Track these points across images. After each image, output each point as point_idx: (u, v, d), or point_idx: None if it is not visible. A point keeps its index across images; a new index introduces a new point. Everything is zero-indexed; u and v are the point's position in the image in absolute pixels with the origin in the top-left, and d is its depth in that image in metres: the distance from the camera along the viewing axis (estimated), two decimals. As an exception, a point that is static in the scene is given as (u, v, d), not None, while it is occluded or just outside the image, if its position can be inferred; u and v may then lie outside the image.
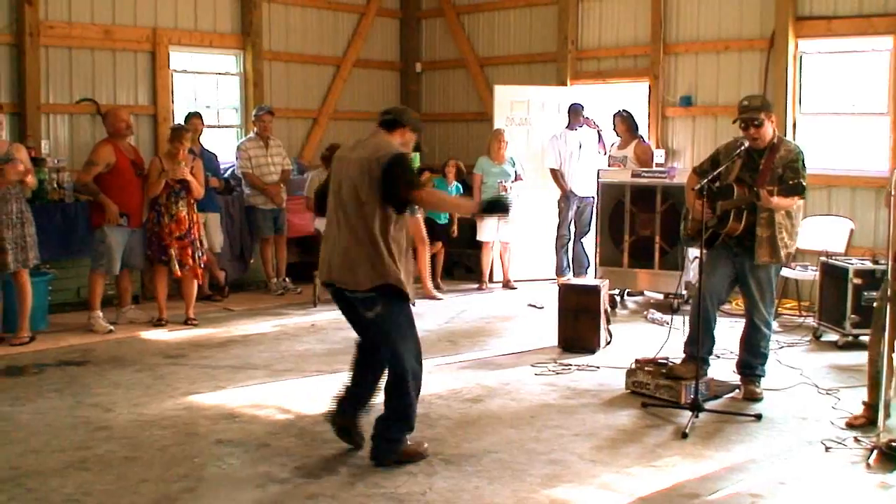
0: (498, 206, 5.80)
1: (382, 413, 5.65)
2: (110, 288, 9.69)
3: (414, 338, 5.65)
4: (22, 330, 8.65)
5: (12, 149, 8.56)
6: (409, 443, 5.66)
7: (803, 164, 6.75)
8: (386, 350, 5.58)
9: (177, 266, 9.33)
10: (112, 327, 9.21)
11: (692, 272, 9.21)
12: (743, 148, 6.76)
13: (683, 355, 7.06)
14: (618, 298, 10.44)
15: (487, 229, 11.63)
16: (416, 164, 10.02)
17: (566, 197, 11.66)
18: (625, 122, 11.35)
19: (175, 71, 11.71)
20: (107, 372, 7.78)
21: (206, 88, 12.37)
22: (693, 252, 8.90)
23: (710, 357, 7.13)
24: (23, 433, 6.18)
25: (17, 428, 6.30)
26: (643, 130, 11.62)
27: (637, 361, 7.20)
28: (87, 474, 5.45)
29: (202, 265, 9.66)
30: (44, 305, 9.31)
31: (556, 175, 11.66)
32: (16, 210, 8.46)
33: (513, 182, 11.61)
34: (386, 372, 5.66)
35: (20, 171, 8.31)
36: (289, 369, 7.85)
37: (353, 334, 8.63)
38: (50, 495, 5.12)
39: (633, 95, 12.22)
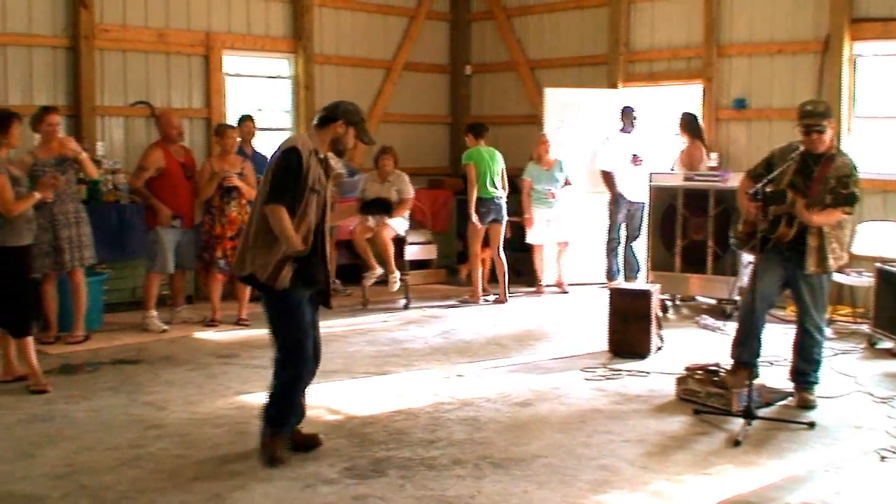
0: (375, 205, 5.70)
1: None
2: (164, 288, 9.81)
3: (289, 333, 5.69)
4: (77, 329, 8.77)
5: (63, 140, 8.66)
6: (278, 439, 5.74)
7: (856, 179, 6.62)
8: (272, 339, 5.79)
9: (221, 267, 9.41)
10: (166, 327, 9.33)
11: (746, 277, 9.12)
12: (798, 152, 6.68)
13: (731, 361, 7.00)
14: (669, 303, 10.36)
15: (535, 232, 11.60)
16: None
17: (616, 200, 11.61)
18: (681, 122, 11.26)
19: (228, 74, 11.83)
20: (160, 371, 7.88)
21: (259, 92, 12.47)
22: (748, 257, 8.83)
23: (761, 364, 7.06)
24: (77, 431, 6.27)
25: (72, 426, 6.39)
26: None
27: (687, 369, 7.14)
28: (139, 472, 5.52)
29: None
30: (99, 305, 9.45)
31: (608, 178, 11.60)
32: (72, 210, 8.59)
33: (561, 187, 11.57)
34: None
35: (74, 148, 8.40)
36: (338, 370, 7.89)
37: (402, 335, 8.68)
38: (103, 492, 5.19)
39: (685, 98, 12.12)
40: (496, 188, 11.08)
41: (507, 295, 11.15)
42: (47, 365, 7.75)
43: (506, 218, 11.19)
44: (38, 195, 7.27)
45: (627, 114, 11.58)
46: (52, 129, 8.56)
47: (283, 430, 5.73)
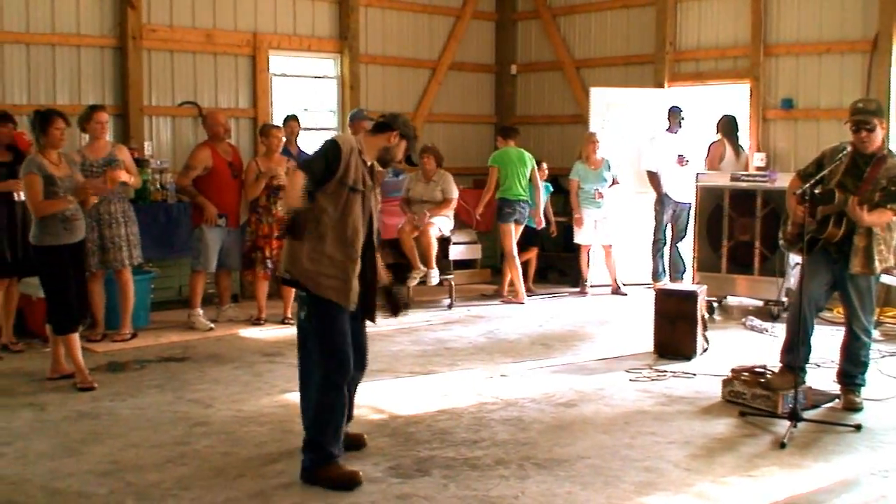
0: (292, 227, 5.29)
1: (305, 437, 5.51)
2: (211, 287, 9.89)
3: (328, 352, 5.37)
4: (124, 327, 8.87)
5: (115, 150, 8.78)
6: (336, 467, 5.35)
7: None
8: (306, 357, 5.58)
9: (269, 266, 9.47)
10: (212, 325, 9.41)
11: (793, 278, 9.02)
12: (846, 152, 6.59)
13: (780, 364, 6.92)
14: (715, 304, 10.26)
15: (583, 232, 11.55)
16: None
17: (662, 201, 11.54)
18: (718, 122, 11.17)
19: (274, 75, 11.90)
20: (206, 369, 7.94)
21: (304, 92, 12.53)
22: (795, 258, 8.73)
23: (808, 365, 6.97)
24: (123, 428, 6.33)
25: (118, 423, 6.45)
26: (742, 133, 11.43)
27: (733, 371, 7.07)
28: (185, 469, 5.56)
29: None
30: (146, 303, 9.54)
31: (653, 178, 11.53)
32: (119, 210, 8.69)
33: (609, 186, 11.51)
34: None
35: (122, 177, 8.50)
36: (382, 369, 7.89)
37: (446, 335, 8.69)
38: (149, 489, 5.23)
39: (732, 97, 12.01)
40: (523, 189, 11.12)
41: (525, 294, 11.26)
42: (94, 362, 7.85)
43: (525, 220, 11.32)
44: (71, 199, 7.26)
45: (674, 114, 11.50)
46: (100, 127, 8.66)
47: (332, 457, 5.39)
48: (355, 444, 5.85)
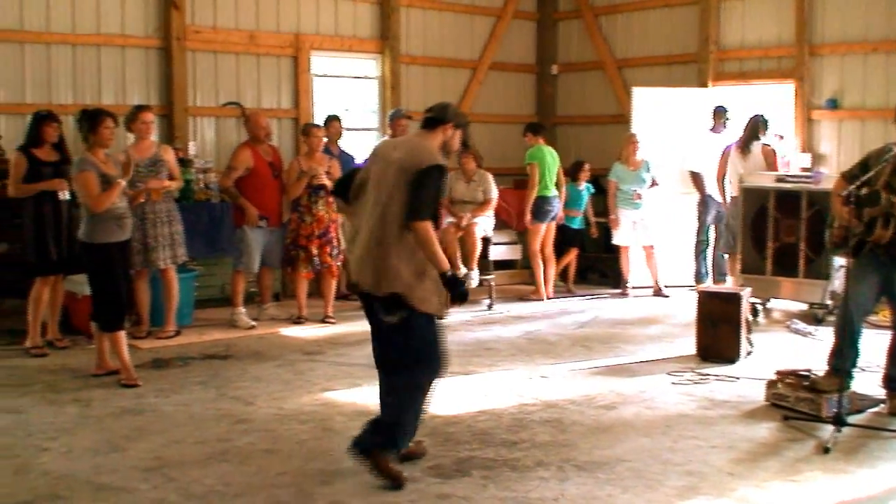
0: (455, 289, 5.23)
1: (379, 420, 5.48)
2: (252, 285, 9.95)
3: (431, 352, 5.39)
4: (168, 324, 8.95)
5: (160, 150, 8.87)
6: (391, 460, 5.34)
7: None
8: (396, 369, 5.40)
9: (315, 265, 9.52)
10: (254, 323, 9.47)
11: (838, 281, 8.92)
12: (893, 153, 6.51)
13: (827, 368, 6.84)
14: (759, 307, 10.17)
15: (621, 233, 11.50)
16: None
17: (705, 202, 11.45)
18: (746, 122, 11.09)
19: (316, 75, 11.95)
20: (248, 366, 7.99)
21: (346, 92, 12.57)
22: (839, 260, 8.63)
23: (855, 370, 6.89)
24: (166, 424, 6.39)
25: (161, 419, 6.52)
26: (788, 133, 11.32)
27: (777, 373, 7.00)
28: (227, 466, 5.60)
29: (340, 264, 9.84)
30: (189, 301, 9.63)
31: (697, 178, 11.45)
32: (164, 209, 8.77)
33: (648, 188, 11.45)
34: (388, 393, 5.49)
35: (165, 187, 8.58)
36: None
37: (486, 336, 8.66)
38: (191, 486, 5.28)
39: (777, 97, 11.90)
40: (554, 187, 11.15)
41: (549, 293, 11.29)
42: (138, 359, 7.92)
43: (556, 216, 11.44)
44: (122, 182, 7.33)
45: (720, 114, 11.41)
46: (145, 127, 8.76)
47: (396, 449, 5.41)
48: (417, 454, 5.72)
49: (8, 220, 8.85)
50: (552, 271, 11.57)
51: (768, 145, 10.75)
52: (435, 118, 5.55)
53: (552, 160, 11.26)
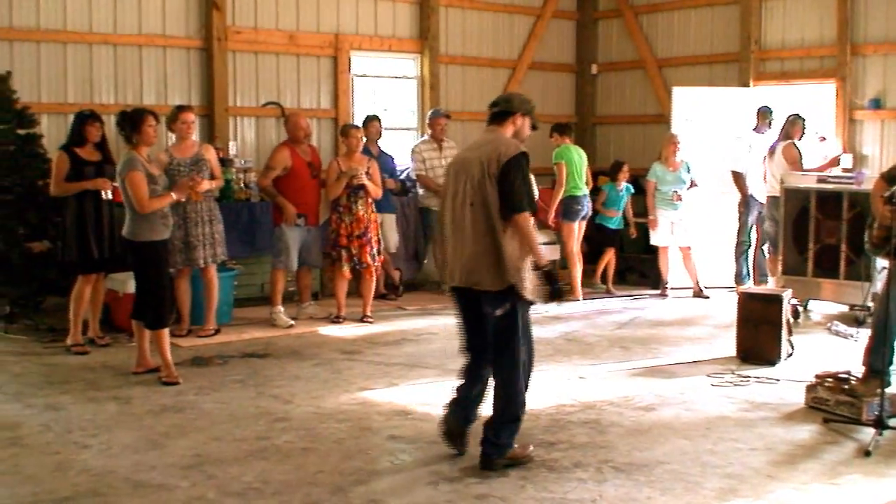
0: (553, 284, 5.49)
1: (491, 416, 5.62)
2: (291, 284, 10.00)
3: (529, 341, 5.66)
4: (208, 323, 9.02)
5: (202, 150, 8.93)
6: (515, 446, 5.63)
7: None
8: (502, 351, 5.54)
9: (354, 264, 9.55)
10: (292, 322, 9.50)
11: (880, 283, 8.80)
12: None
13: (863, 368, 6.76)
14: (800, 308, 10.07)
15: (659, 234, 11.43)
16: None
17: (746, 202, 11.36)
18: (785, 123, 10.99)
19: (355, 75, 11.99)
20: (287, 365, 8.03)
21: (385, 92, 12.60)
22: (882, 262, 8.51)
23: (891, 370, 6.80)
24: (206, 422, 6.44)
25: (201, 416, 6.56)
26: (830, 134, 11.20)
27: (817, 376, 6.93)
28: (265, 463, 5.63)
29: (379, 264, 9.87)
30: (229, 300, 9.69)
31: (739, 179, 11.35)
32: (205, 208, 8.83)
33: (687, 189, 11.37)
34: (496, 375, 5.63)
35: (205, 187, 8.63)
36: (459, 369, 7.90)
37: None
38: (230, 483, 5.31)
39: (818, 97, 11.79)
40: (584, 186, 11.10)
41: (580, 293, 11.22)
42: (179, 357, 7.97)
43: (588, 215, 11.39)
44: (174, 196, 7.44)
45: (764, 114, 11.30)
46: (186, 127, 8.82)
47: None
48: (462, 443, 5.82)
49: (50, 218, 8.94)
50: (579, 271, 11.52)
51: (792, 145, 10.64)
52: (502, 111, 5.68)
53: (579, 159, 11.20)
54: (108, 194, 8.27)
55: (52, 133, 9.58)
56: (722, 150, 11.63)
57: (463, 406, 5.78)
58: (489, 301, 5.47)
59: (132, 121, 7.38)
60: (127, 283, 8.45)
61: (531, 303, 5.54)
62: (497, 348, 5.56)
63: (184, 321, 9.03)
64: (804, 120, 10.76)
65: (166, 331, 7.48)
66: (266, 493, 5.15)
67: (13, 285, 8.90)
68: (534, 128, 5.88)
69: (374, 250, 9.67)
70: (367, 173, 9.56)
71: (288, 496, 5.12)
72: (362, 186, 9.49)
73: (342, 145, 10.04)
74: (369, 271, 9.73)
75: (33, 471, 5.49)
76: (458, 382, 5.84)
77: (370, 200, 9.62)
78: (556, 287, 5.50)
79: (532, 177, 5.58)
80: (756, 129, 11.34)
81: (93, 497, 5.11)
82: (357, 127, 10.13)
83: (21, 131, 9.06)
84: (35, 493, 5.14)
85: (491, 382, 5.68)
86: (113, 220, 8.31)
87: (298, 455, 5.78)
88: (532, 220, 5.41)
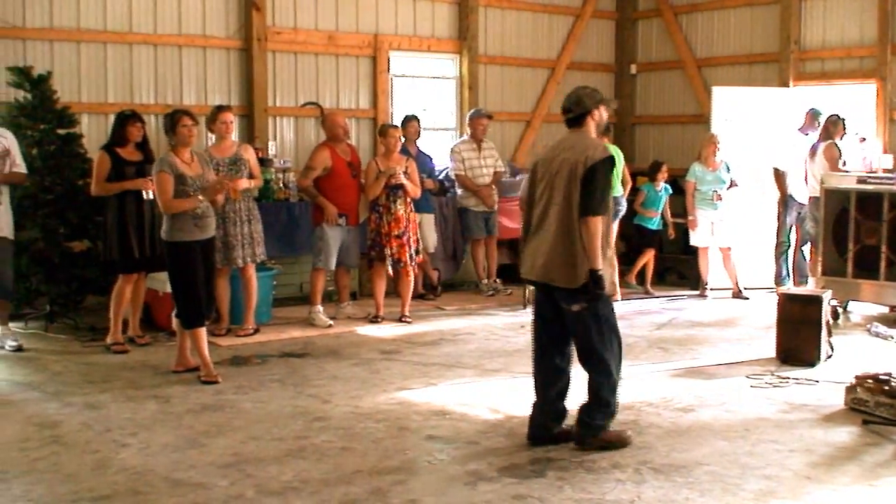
0: (598, 287, 5.64)
1: (585, 400, 5.88)
2: (330, 284, 10.04)
3: (614, 329, 5.85)
4: (247, 322, 9.07)
5: (241, 150, 8.99)
6: (610, 429, 5.88)
7: None
8: (585, 344, 5.80)
9: (393, 264, 9.58)
10: (331, 322, 9.54)
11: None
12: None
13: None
14: (840, 310, 9.97)
15: (699, 234, 11.36)
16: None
17: (786, 202, 11.26)
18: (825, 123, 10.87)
19: (394, 75, 12.02)
20: (325, 364, 8.06)
21: (424, 92, 12.62)
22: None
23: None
24: (244, 421, 6.48)
25: (240, 415, 6.60)
26: (870, 134, 11.09)
27: (857, 378, 6.86)
28: (304, 463, 5.66)
29: (417, 264, 9.89)
30: (268, 299, 9.74)
31: (780, 177, 11.25)
32: (244, 208, 8.89)
33: (727, 188, 11.29)
34: (584, 365, 5.88)
35: (243, 185, 8.70)
36: (498, 369, 7.91)
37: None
38: (269, 482, 5.34)
39: (859, 98, 11.66)
40: (619, 186, 11.05)
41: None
42: (218, 356, 8.04)
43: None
44: (201, 198, 7.44)
45: (814, 115, 11.16)
46: (224, 127, 8.88)
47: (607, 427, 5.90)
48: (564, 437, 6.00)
49: (90, 217, 9.04)
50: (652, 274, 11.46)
51: (834, 145, 10.53)
52: (578, 115, 5.85)
53: (618, 159, 11.13)
54: (148, 194, 8.34)
55: (92, 133, 9.69)
56: (764, 149, 11.53)
57: (551, 405, 5.99)
58: (564, 297, 5.73)
59: (169, 122, 7.45)
60: (167, 283, 8.51)
61: (609, 302, 5.83)
62: (580, 342, 5.83)
63: (223, 320, 9.09)
64: (844, 120, 10.66)
65: (203, 330, 7.53)
66: (304, 493, 5.18)
67: (53, 284, 8.99)
68: (614, 109, 6.09)
69: (413, 250, 9.69)
70: (405, 173, 9.58)
71: (326, 495, 5.14)
72: (401, 186, 9.52)
73: (380, 145, 10.07)
74: (407, 271, 9.75)
75: (73, 469, 5.56)
76: (537, 382, 6.07)
77: (409, 200, 9.65)
78: (598, 292, 5.63)
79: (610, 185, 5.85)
80: (802, 130, 11.23)
81: (132, 495, 5.16)
82: (395, 126, 10.16)
83: (61, 131, 9.15)
84: (74, 492, 5.20)
85: (580, 373, 5.93)
86: (154, 219, 8.39)
87: (336, 454, 5.81)
88: (601, 225, 5.61)
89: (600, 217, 5.61)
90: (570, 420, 5.99)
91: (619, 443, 5.86)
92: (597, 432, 5.82)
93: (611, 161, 5.70)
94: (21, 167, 8.42)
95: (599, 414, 5.83)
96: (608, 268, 5.77)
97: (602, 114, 5.90)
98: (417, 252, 9.81)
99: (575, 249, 5.62)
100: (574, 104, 5.86)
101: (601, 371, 5.80)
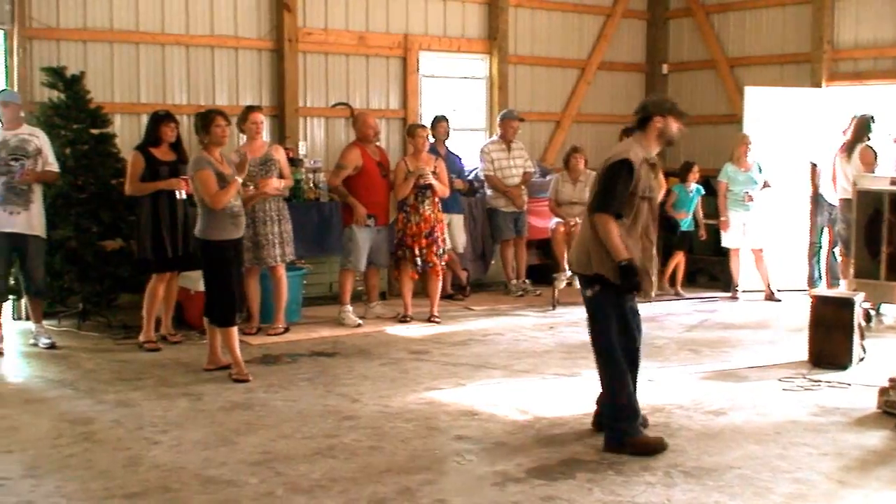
0: (628, 276, 5.72)
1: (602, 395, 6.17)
2: (359, 284, 10.06)
3: (628, 331, 5.98)
4: (278, 321, 9.11)
5: (271, 150, 9.03)
6: (641, 434, 5.91)
7: None
8: (592, 338, 6.08)
9: (421, 264, 9.58)
10: (360, 322, 9.56)
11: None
12: None
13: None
14: (873, 312, 9.88)
15: (730, 236, 11.29)
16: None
17: (816, 201, 11.17)
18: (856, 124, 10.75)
19: (424, 76, 12.03)
20: (354, 364, 8.08)
21: (454, 92, 12.62)
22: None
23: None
24: (275, 419, 6.51)
25: (270, 414, 6.64)
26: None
27: (890, 380, 6.79)
28: (333, 461, 5.67)
29: (445, 264, 9.89)
30: (298, 299, 9.78)
31: (814, 171, 11.16)
32: (274, 208, 8.93)
33: (760, 189, 11.21)
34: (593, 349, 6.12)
35: (273, 184, 8.73)
36: (527, 370, 7.90)
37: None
38: (298, 480, 5.36)
39: (892, 98, 11.54)
40: None
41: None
42: (249, 355, 8.08)
43: None
44: (238, 179, 7.50)
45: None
46: (255, 127, 8.93)
47: (634, 431, 5.88)
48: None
49: (123, 217, 9.11)
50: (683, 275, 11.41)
51: (869, 147, 10.41)
52: (641, 118, 5.93)
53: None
54: (181, 194, 8.40)
55: (125, 133, 9.76)
56: (796, 149, 11.44)
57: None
58: (581, 283, 6.01)
59: (202, 123, 7.50)
60: (199, 282, 8.56)
61: (624, 294, 5.88)
62: (589, 328, 6.07)
63: (253, 319, 9.14)
64: (873, 119, 10.56)
65: (234, 329, 7.56)
66: (333, 491, 5.19)
67: (86, 283, 9.07)
68: (684, 121, 6.10)
69: (441, 250, 9.70)
70: (434, 173, 9.59)
71: (355, 494, 5.15)
72: (429, 186, 9.53)
73: (409, 145, 10.08)
74: (436, 271, 9.75)
75: (105, 466, 5.60)
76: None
77: (437, 200, 9.66)
78: (633, 281, 5.73)
79: (626, 188, 5.76)
80: (845, 132, 11.08)
81: (163, 492, 5.19)
82: (423, 126, 10.16)
83: (94, 131, 9.23)
84: (106, 488, 5.24)
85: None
86: (187, 219, 8.44)
87: (365, 453, 5.82)
88: (610, 223, 5.69)
89: (606, 214, 5.71)
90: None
91: (647, 450, 5.80)
92: (619, 436, 5.83)
93: (625, 164, 5.72)
94: (54, 166, 8.51)
95: (612, 415, 5.92)
96: (646, 262, 5.88)
97: (670, 124, 5.90)
98: (445, 252, 9.80)
99: (591, 242, 5.81)
100: (640, 107, 6.00)
101: (599, 367, 6.05)
